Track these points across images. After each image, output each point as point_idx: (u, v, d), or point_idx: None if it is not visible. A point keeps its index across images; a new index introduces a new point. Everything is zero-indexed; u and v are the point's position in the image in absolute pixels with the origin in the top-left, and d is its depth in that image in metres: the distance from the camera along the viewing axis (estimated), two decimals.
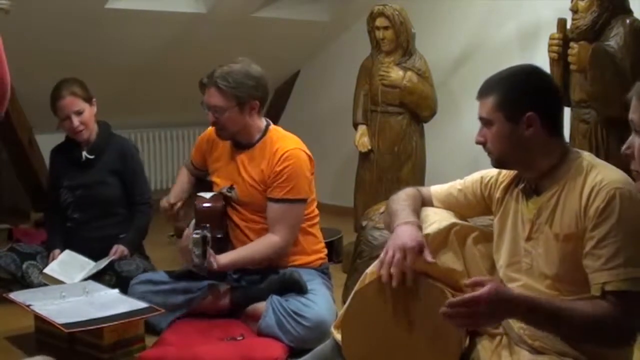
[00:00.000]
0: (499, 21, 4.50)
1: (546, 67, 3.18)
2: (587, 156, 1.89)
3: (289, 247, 2.89)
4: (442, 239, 2.02)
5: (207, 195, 2.94)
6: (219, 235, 2.87)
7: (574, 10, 3.07)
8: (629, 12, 3.02)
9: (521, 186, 1.95)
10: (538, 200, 1.89)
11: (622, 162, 1.69)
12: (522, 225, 1.93)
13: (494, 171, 2.07)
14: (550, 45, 3.19)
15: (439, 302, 1.91)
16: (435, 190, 2.23)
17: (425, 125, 3.99)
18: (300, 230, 2.92)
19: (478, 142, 1.93)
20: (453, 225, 2.04)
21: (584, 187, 1.80)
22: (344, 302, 2.59)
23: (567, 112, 3.19)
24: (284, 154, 2.84)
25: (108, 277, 3.20)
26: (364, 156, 4.02)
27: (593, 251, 1.74)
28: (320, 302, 2.73)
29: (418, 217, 2.06)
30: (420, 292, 1.95)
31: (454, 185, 2.19)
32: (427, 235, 1.99)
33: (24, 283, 3.21)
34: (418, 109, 3.89)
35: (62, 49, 4.18)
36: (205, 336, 2.72)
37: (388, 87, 3.86)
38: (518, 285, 1.92)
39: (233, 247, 2.94)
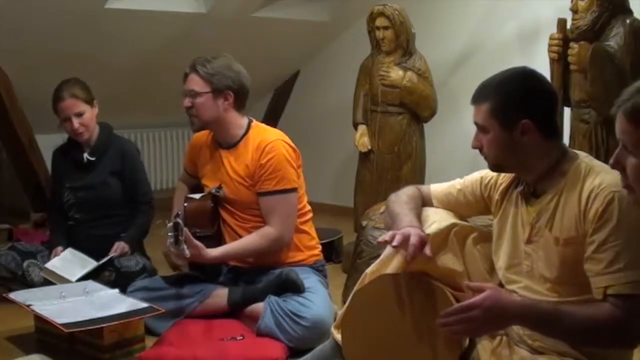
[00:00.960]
0: (499, 21, 4.51)
1: (546, 67, 3.19)
2: (585, 158, 1.89)
3: (286, 240, 2.88)
4: (442, 240, 2.01)
5: (197, 196, 2.98)
6: (210, 233, 2.89)
7: (574, 10, 3.07)
8: (629, 12, 3.02)
9: (520, 189, 1.95)
10: (537, 204, 1.89)
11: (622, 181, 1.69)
12: (522, 228, 1.93)
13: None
14: (550, 45, 3.19)
15: (439, 301, 1.92)
16: (435, 189, 2.22)
17: (425, 125, 4.00)
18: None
19: (474, 147, 1.94)
20: (453, 225, 2.04)
21: (582, 191, 1.80)
22: (344, 302, 2.59)
23: (567, 112, 3.21)
24: (266, 146, 2.85)
25: (108, 272, 3.22)
26: (364, 156, 4.02)
27: (594, 255, 1.74)
28: (318, 301, 2.72)
29: (420, 220, 2.06)
30: (421, 292, 1.95)
31: (453, 185, 2.18)
32: (427, 235, 1.99)
33: (25, 282, 3.22)
34: (418, 109, 3.89)
35: (62, 49, 4.18)
36: (205, 336, 2.72)
37: (388, 87, 3.86)
38: (519, 287, 1.92)
39: None
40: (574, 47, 3.04)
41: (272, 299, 2.75)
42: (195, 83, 2.89)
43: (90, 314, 2.61)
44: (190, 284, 2.90)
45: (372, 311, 2.00)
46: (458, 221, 2.08)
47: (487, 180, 2.09)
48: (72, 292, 2.85)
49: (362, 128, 4.01)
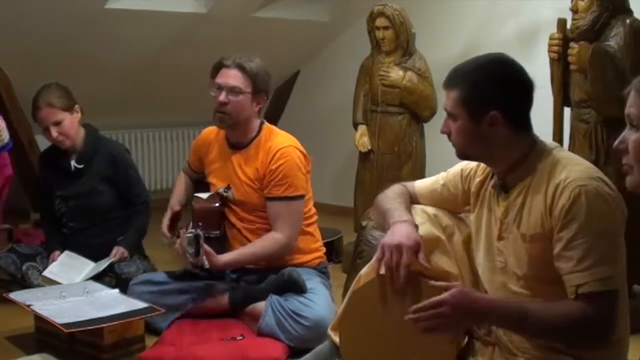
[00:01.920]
0: (499, 21, 4.51)
1: (546, 67, 3.19)
2: (554, 150, 1.83)
3: (293, 245, 2.89)
4: (433, 241, 2.00)
5: (204, 195, 2.96)
6: (216, 235, 2.87)
7: (574, 10, 3.06)
8: (629, 12, 3.01)
9: (492, 182, 1.92)
10: (506, 199, 1.86)
11: (622, 162, 1.67)
12: (494, 224, 1.90)
13: (473, 163, 2.02)
14: (550, 45, 3.18)
15: None
16: (419, 186, 2.17)
17: (425, 125, 3.99)
18: None
19: (442, 132, 1.89)
20: (444, 226, 2.03)
21: (548, 186, 1.75)
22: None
23: (567, 112, 3.21)
24: (277, 151, 2.85)
25: (108, 279, 3.18)
26: (364, 156, 4.01)
27: (563, 253, 1.71)
28: (320, 301, 2.73)
29: (410, 213, 2.03)
30: (417, 292, 1.93)
31: (437, 181, 2.13)
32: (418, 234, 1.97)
33: (24, 284, 3.20)
34: (418, 109, 3.89)
35: (62, 49, 4.18)
36: (205, 336, 2.72)
37: (388, 87, 3.86)
38: (496, 285, 1.90)
39: (231, 248, 2.93)
40: (574, 47, 3.03)
41: (274, 298, 2.75)
42: (239, 80, 2.84)
43: (90, 314, 2.61)
44: (192, 279, 2.89)
45: (368, 312, 1.99)
46: (448, 221, 2.06)
47: (467, 172, 2.04)
48: (72, 292, 2.85)
49: (362, 128, 4.00)
